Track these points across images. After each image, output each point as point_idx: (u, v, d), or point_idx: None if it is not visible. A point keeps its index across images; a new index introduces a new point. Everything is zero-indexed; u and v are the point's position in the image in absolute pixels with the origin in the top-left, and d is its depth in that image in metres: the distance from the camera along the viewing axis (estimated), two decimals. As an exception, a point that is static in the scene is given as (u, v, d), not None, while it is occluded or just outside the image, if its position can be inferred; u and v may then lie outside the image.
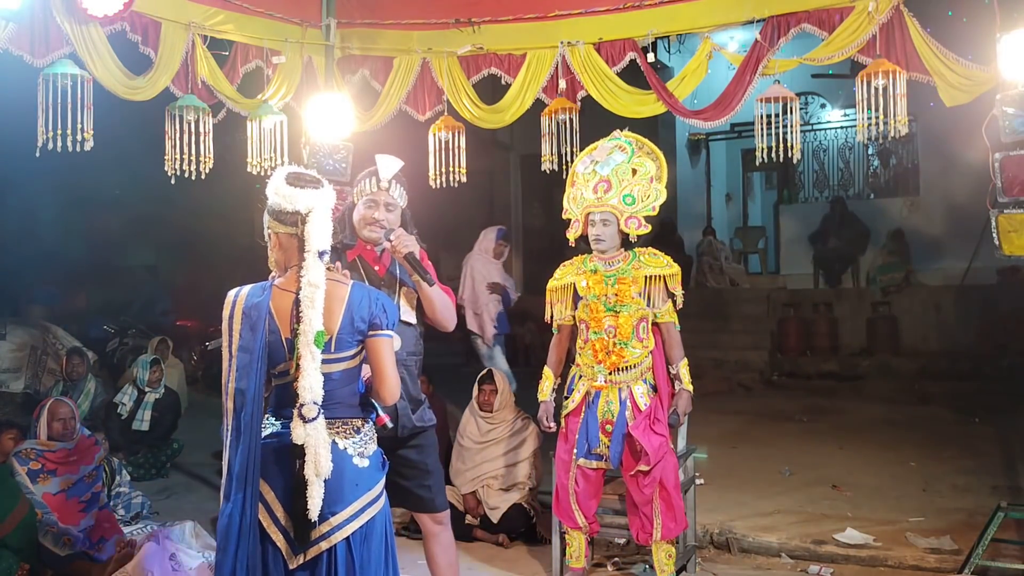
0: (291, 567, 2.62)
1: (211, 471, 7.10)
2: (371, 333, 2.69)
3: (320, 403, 2.56)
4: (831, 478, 6.14)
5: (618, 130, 4.38)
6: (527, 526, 5.19)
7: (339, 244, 3.30)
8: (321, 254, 2.64)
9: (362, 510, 2.65)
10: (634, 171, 4.20)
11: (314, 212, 2.70)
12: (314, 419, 2.54)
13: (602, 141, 4.38)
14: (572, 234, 4.29)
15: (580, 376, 4.25)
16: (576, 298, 4.26)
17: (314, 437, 2.53)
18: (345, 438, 2.67)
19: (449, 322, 3.46)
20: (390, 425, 2.88)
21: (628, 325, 4.12)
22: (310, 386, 2.54)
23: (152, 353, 8.20)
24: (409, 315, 3.37)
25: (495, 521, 5.17)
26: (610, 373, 4.14)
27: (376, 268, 3.40)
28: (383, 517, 2.73)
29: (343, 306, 2.68)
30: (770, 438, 7.49)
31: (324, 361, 2.59)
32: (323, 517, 2.58)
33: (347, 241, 3.41)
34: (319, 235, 2.66)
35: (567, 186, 4.38)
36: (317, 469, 2.52)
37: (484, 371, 5.58)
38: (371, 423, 2.78)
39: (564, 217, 4.34)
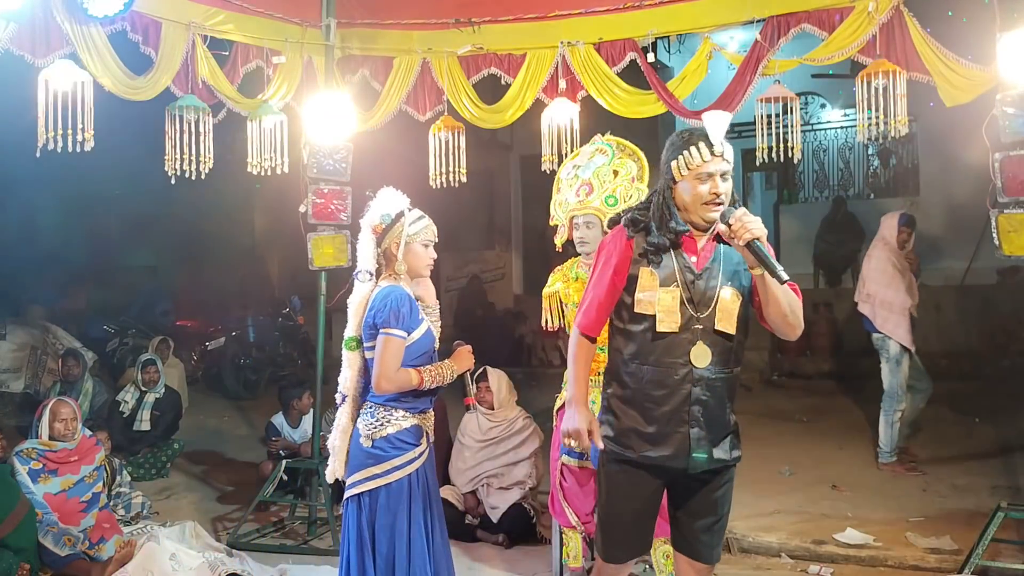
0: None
1: (211, 471, 7.11)
2: (379, 331, 3.08)
3: (345, 392, 3.24)
4: (831, 478, 6.14)
5: (599, 135, 4.38)
6: (527, 526, 5.19)
7: (671, 236, 2.76)
8: (356, 273, 3.20)
9: (359, 482, 3.11)
10: (615, 172, 4.19)
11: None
12: (339, 405, 3.26)
13: (585, 147, 4.39)
14: (559, 239, 4.29)
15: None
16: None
17: (337, 418, 3.25)
18: (362, 419, 3.18)
19: (796, 328, 2.76)
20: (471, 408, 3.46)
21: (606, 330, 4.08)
22: (341, 379, 3.25)
23: (152, 353, 8.20)
24: (728, 324, 2.74)
25: (495, 520, 5.17)
26: (593, 375, 4.10)
27: (694, 260, 2.78)
28: (394, 494, 3.09)
29: (365, 307, 3.18)
30: (770, 438, 7.48)
31: (366, 349, 3.21)
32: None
33: (679, 228, 2.76)
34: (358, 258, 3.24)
35: (553, 192, 4.37)
36: (332, 441, 3.22)
37: (479, 369, 5.55)
38: (390, 409, 3.13)
39: (551, 224, 4.34)
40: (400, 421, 3.13)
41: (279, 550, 5.18)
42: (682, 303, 2.73)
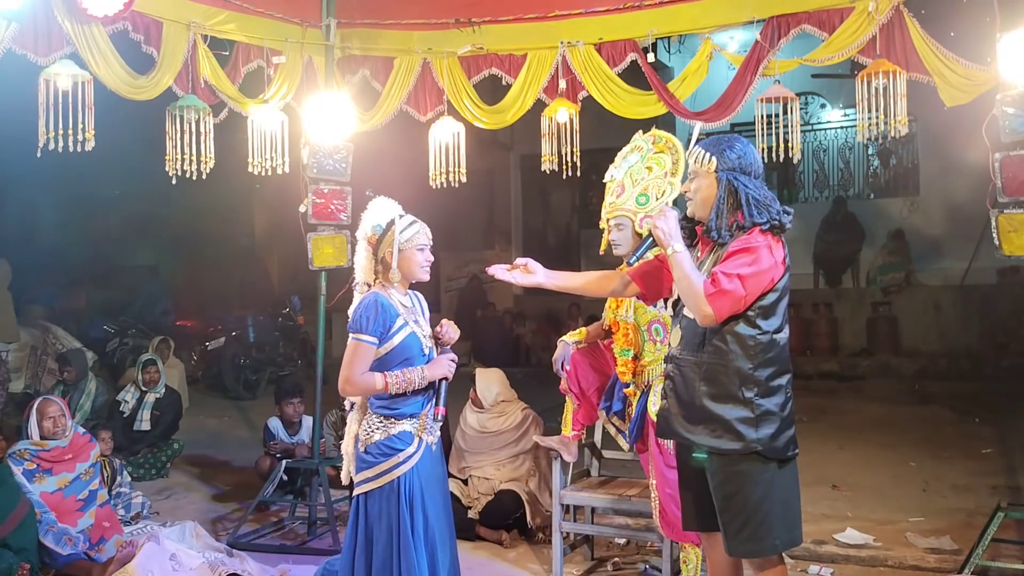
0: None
1: (211, 471, 7.11)
2: (350, 335, 3.19)
3: (353, 400, 3.30)
4: (831, 478, 6.15)
5: (640, 131, 4.29)
6: (519, 513, 5.16)
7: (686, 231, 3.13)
8: (355, 285, 3.30)
9: (358, 484, 3.22)
10: (649, 169, 4.11)
11: None
12: (348, 412, 3.36)
13: (627, 146, 4.30)
14: (603, 244, 4.22)
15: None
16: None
17: (348, 424, 3.33)
18: (361, 425, 3.25)
19: (694, 311, 2.95)
20: (439, 417, 3.25)
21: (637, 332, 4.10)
22: None
23: (153, 353, 8.21)
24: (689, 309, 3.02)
25: (482, 508, 5.18)
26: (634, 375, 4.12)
27: (698, 255, 3.14)
28: (384, 496, 3.15)
29: None
30: (770, 438, 7.49)
31: None
32: None
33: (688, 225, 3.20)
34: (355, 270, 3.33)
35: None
36: (344, 447, 3.34)
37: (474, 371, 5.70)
38: (380, 417, 3.19)
39: (600, 228, 4.26)
40: (389, 427, 3.19)
41: (279, 550, 5.18)
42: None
